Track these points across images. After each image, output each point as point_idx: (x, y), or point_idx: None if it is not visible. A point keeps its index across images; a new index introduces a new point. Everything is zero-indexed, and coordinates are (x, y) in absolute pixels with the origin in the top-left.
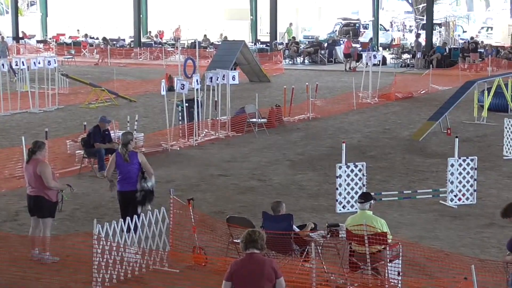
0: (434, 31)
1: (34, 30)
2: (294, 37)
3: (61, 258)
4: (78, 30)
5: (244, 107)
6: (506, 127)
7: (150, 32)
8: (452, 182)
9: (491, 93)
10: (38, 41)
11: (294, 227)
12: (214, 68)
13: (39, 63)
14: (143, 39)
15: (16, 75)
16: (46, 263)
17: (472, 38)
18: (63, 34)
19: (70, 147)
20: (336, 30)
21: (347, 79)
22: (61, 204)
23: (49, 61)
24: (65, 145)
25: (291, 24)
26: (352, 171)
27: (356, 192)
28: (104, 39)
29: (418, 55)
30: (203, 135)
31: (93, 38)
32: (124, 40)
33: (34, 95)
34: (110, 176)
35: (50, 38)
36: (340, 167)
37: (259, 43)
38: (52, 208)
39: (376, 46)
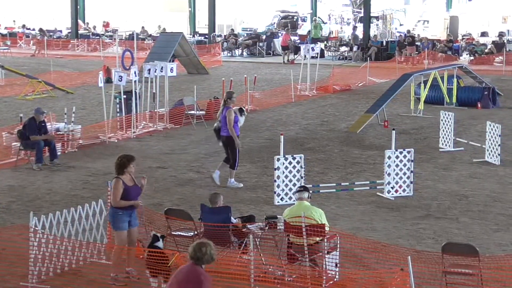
0: (371, 24)
1: None
2: (232, 29)
3: None
4: (14, 21)
5: (183, 99)
6: (442, 120)
7: (87, 23)
8: (389, 174)
9: (427, 86)
10: None
11: (232, 219)
12: (152, 60)
13: None
14: (80, 31)
15: None
16: None
17: (409, 31)
18: None
19: (6, 139)
20: (274, 23)
21: (285, 72)
22: None
23: None
24: (0, 137)
25: (315, 19)
26: (290, 163)
27: (294, 184)
28: (40, 30)
29: (355, 48)
30: (141, 127)
31: (29, 29)
32: (61, 31)
33: None
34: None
35: None
36: (278, 159)
37: (198, 35)
38: None
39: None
